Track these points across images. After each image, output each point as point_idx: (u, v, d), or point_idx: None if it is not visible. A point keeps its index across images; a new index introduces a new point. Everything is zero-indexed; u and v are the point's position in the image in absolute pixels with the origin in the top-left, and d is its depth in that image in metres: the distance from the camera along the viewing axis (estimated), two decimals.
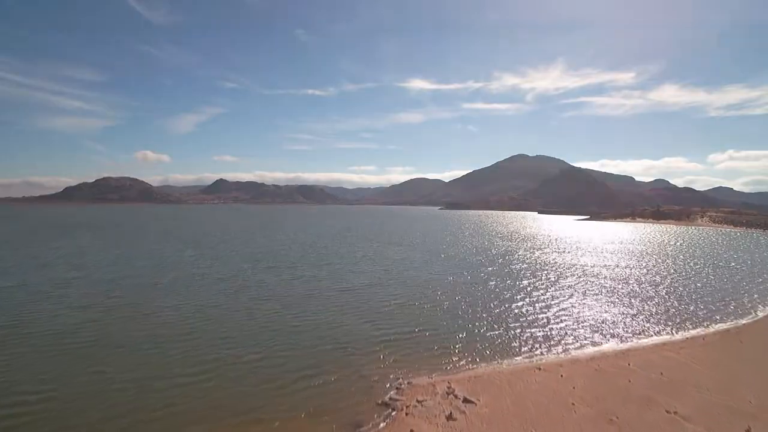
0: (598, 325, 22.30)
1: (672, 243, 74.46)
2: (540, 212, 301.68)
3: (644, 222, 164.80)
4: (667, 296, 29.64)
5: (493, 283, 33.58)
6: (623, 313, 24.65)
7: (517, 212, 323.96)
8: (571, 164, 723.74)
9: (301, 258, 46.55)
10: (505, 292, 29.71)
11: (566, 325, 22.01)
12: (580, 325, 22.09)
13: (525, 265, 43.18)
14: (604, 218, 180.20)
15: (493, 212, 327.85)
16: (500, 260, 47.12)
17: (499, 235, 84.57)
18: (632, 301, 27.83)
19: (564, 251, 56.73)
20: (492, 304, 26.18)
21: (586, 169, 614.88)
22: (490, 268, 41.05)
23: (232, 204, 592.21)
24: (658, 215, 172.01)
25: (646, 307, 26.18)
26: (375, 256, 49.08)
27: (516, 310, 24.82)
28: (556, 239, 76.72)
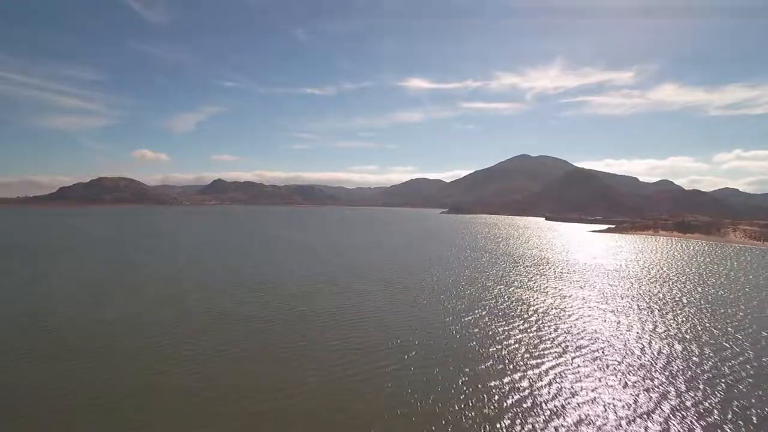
0: None
1: (746, 280, 60.74)
2: (547, 218, 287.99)
3: (669, 235, 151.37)
4: None
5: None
6: None
7: (525, 218, 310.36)
8: (575, 164, 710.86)
9: (243, 343, 33.03)
10: None
11: None
12: None
13: (604, 351, 29.54)
14: (624, 230, 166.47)
15: (500, 218, 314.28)
16: (559, 330, 33.47)
17: (527, 264, 70.95)
18: None
19: (629, 306, 43.14)
20: None
21: (590, 169, 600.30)
22: (560, 363, 27.42)
23: (229, 205, 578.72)
24: (682, 227, 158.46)
25: None
26: (365, 328, 35.54)
27: None
28: (597, 272, 63.07)
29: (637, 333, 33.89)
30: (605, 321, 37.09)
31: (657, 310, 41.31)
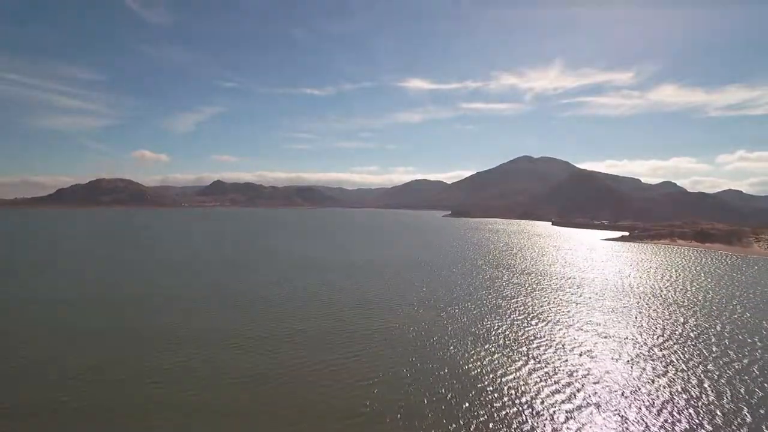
0: None
1: None
2: (554, 223, 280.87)
3: (687, 245, 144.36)
4: None
5: None
6: None
7: (532, 222, 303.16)
8: (577, 166, 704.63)
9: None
10: None
11: None
12: None
13: None
14: (639, 239, 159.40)
15: (506, 222, 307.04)
16: (628, 399, 26.27)
17: (554, 287, 63.74)
18: None
19: (700, 358, 35.98)
20: None
21: (593, 171, 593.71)
22: None
23: (227, 207, 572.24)
24: (701, 236, 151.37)
25: None
26: (377, 394, 28.30)
27: None
28: (635, 299, 55.89)
29: (736, 405, 26.76)
30: (684, 382, 29.94)
31: (740, 362, 34.19)
